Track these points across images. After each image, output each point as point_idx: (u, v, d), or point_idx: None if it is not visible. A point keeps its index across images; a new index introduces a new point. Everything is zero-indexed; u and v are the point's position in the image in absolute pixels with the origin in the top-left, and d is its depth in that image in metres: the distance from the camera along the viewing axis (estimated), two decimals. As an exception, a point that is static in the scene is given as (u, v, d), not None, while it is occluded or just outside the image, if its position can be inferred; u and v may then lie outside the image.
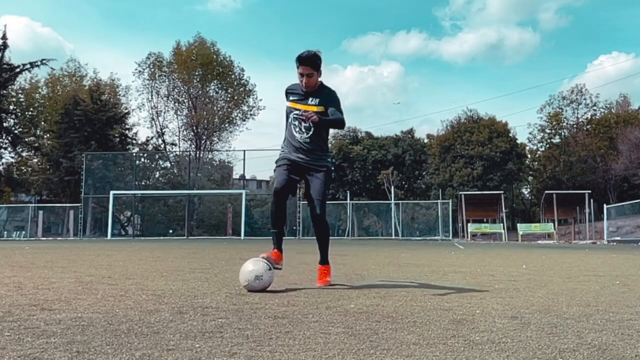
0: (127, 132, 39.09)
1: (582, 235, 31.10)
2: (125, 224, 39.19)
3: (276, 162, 3.98)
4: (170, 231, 35.03)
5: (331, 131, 4.48)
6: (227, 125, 43.24)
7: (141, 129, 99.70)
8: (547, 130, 50.07)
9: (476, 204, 33.82)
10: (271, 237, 3.89)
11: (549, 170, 46.75)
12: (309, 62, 3.74)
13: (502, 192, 34.63)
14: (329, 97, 3.84)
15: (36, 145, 39.19)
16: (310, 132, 3.84)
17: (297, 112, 3.85)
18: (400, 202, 34.15)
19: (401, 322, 2.34)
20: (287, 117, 3.95)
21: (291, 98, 3.91)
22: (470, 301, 3.07)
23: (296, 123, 3.86)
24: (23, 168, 41.79)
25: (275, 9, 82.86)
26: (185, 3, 77.84)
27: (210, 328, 2.17)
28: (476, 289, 3.74)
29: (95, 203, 33.51)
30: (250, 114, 43.25)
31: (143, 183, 36.70)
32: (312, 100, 3.82)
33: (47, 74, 41.94)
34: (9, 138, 37.17)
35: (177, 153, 42.57)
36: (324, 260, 3.98)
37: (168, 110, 43.72)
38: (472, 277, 4.73)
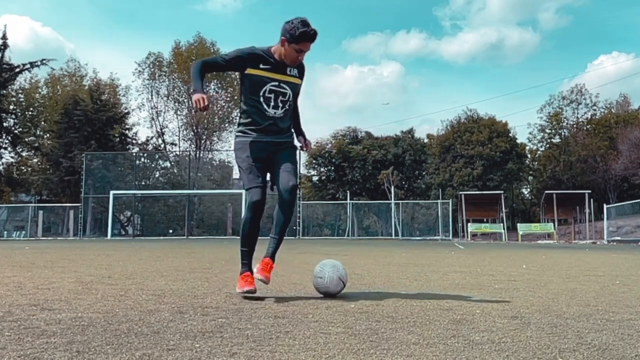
0: (127, 132, 39.14)
1: (582, 235, 31.11)
2: (125, 224, 39.20)
3: (239, 152, 3.37)
4: (170, 231, 35.05)
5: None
6: (227, 125, 43.29)
7: (141, 128, 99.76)
8: (547, 130, 50.12)
9: (476, 204, 33.84)
10: (242, 256, 3.32)
11: (549, 170, 46.79)
12: (315, 39, 3.30)
13: (502, 192, 34.65)
14: (303, 72, 3.45)
15: (36, 145, 39.21)
16: (286, 106, 3.36)
17: (274, 83, 3.30)
18: (400, 202, 34.15)
19: (401, 322, 2.34)
20: (254, 87, 3.31)
21: (262, 66, 3.30)
22: (470, 301, 3.07)
23: (271, 96, 3.31)
24: (23, 168, 41.82)
25: (275, 9, 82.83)
26: (185, 3, 77.92)
27: (210, 328, 2.17)
28: (476, 289, 3.74)
29: (95, 203, 33.52)
30: (250, 114, 43.32)
31: (143, 183, 36.71)
32: (291, 71, 3.36)
33: (47, 74, 42.08)
34: (9, 138, 37.19)
35: (177, 153, 42.61)
36: (274, 254, 3.28)
37: (168, 110, 43.80)
38: (472, 277, 4.73)
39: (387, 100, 79.24)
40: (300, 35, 3.20)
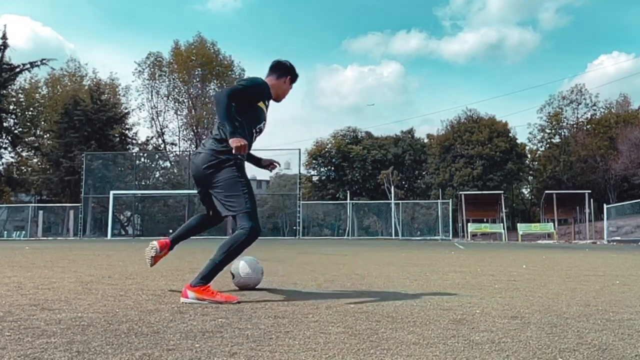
0: (127, 132, 39.15)
1: (582, 235, 31.10)
2: (125, 224, 39.21)
3: (237, 170, 3.07)
4: (170, 231, 34.80)
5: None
6: (227, 125, 43.31)
7: (141, 129, 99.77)
8: (547, 130, 50.13)
9: (476, 204, 33.82)
10: (217, 272, 3.12)
11: (549, 170, 46.80)
12: None
13: (502, 192, 34.63)
14: None
15: (36, 145, 39.21)
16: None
17: (265, 122, 3.25)
18: (400, 202, 34.13)
19: (401, 322, 2.34)
20: (254, 120, 3.14)
21: (267, 102, 3.27)
22: (470, 301, 3.07)
23: (258, 134, 3.24)
24: (23, 168, 41.82)
25: (275, 8, 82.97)
26: (185, 3, 77.98)
27: (210, 328, 2.17)
28: (476, 289, 3.73)
29: (95, 203, 33.51)
30: (250, 114, 43.38)
31: (143, 183, 36.71)
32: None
33: (47, 74, 42.10)
34: (9, 138, 37.17)
35: (177, 153, 42.65)
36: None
37: (168, 110, 43.85)
38: (472, 277, 4.73)
39: (373, 102, 79.45)
40: (297, 76, 3.41)
